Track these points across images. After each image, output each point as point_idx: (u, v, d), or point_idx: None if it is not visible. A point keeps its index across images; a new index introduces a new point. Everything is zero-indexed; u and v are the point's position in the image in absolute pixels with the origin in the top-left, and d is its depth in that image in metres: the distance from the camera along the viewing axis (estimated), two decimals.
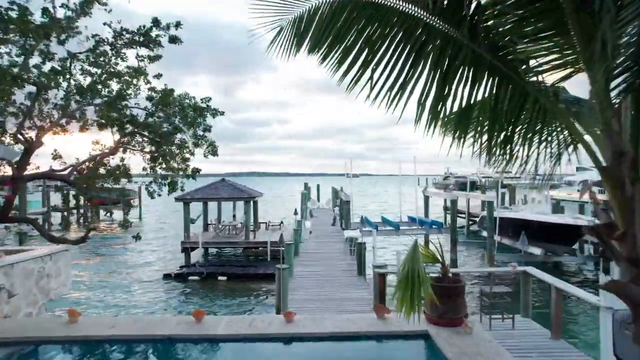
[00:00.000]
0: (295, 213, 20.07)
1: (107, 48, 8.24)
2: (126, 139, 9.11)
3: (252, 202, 23.77)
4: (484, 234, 20.79)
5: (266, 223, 25.96)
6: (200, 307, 14.60)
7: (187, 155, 10.25)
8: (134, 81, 8.53)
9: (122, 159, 9.12)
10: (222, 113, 9.56)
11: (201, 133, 9.83)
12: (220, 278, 18.11)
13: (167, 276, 18.33)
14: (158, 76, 8.90)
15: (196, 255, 20.67)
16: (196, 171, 10.47)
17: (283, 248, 13.56)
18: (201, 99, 9.20)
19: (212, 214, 27.32)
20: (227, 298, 15.48)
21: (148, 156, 9.32)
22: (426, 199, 23.92)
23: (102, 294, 16.15)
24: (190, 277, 18.12)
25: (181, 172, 10.32)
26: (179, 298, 15.45)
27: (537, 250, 16.29)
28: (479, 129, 3.20)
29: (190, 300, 15.35)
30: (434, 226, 19.38)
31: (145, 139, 9.12)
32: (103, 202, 41.60)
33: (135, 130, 8.86)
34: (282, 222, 26.36)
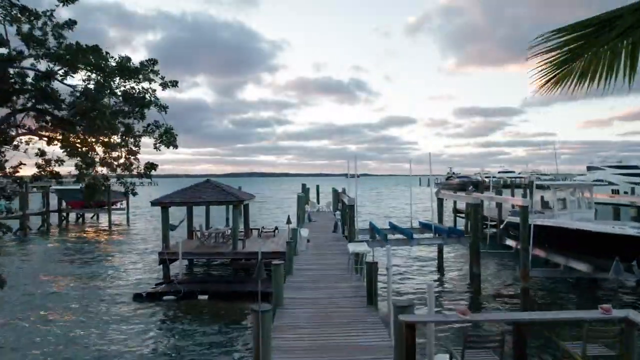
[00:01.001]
0: (289, 222, 17.14)
1: None
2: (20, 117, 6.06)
3: (242, 206, 20.94)
4: (508, 242, 17.94)
5: (259, 230, 23.10)
6: (167, 340, 11.73)
7: (133, 147, 7.37)
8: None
9: (17, 146, 6.04)
10: (175, 84, 6.66)
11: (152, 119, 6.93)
12: (200, 297, 15.28)
13: (137, 296, 15.42)
14: None
15: (180, 267, 17.81)
16: (150, 168, 7.56)
17: (276, 261, 10.79)
18: (140, 62, 6.24)
19: (202, 219, 24.52)
20: (205, 325, 12.60)
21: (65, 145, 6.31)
22: (439, 201, 21.00)
23: (35, 325, 12.79)
24: (166, 297, 15.27)
25: (134, 170, 7.46)
26: (143, 329, 12.51)
27: (582, 266, 13.42)
28: None
29: (157, 331, 12.44)
30: (452, 235, 16.48)
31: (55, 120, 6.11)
32: (81, 204, 38.23)
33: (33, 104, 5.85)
34: (276, 229, 23.48)
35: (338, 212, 21.71)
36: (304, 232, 17.75)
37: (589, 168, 70.63)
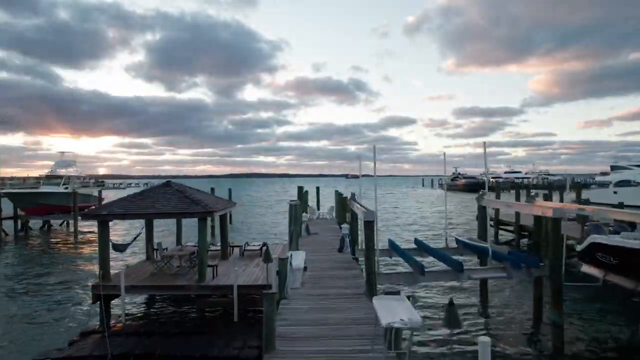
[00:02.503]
0: (267, 259, 11.24)
1: None
2: None
3: (218, 218, 15.57)
4: (589, 270, 12.54)
5: (241, 247, 17.67)
6: None
7: None
8: None
9: None
10: None
11: None
12: None
13: None
14: None
15: (122, 307, 12.44)
16: None
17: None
18: None
19: (174, 231, 19.12)
20: None
21: None
22: (482, 211, 15.58)
23: None
24: None
25: None
26: None
27: None
28: None
29: None
30: (524, 264, 10.97)
31: None
32: (43, 210, 32.11)
33: None
34: (264, 246, 18.07)
35: (346, 226, 16.26)
36: (298, 258, 12.32)
37: (614, 168, 65.36)
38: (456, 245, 14.97)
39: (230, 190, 42.49)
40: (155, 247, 16.11)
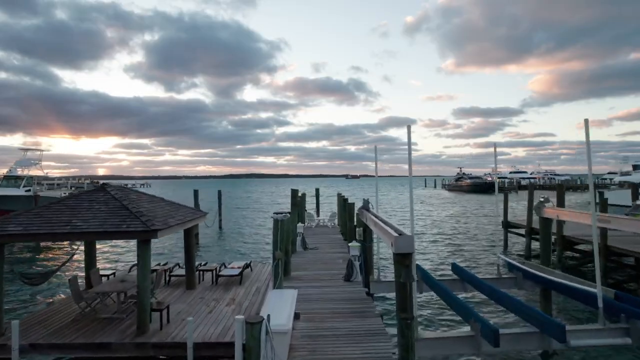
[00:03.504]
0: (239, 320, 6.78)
1: None
2: None
3: (185, 233, 11.13)
4: None
5: (214, 270, 13.28)
6: None
7: None
8: None
9: None
10: None
11: None
12: None
13: None
14: None
15: None
16: None
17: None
18: None
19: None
20: None
21: None
22: (545, 225, 11.17)
23: None
24: None
25: None
26: None
27: None
28: None
29: None
30: None
31: None
32: None
33: None
34: (247, 266, 13.69)
35: (355, 245, 11.83)
36: (282, 309, 7.78)
37: (636, 167, 61.36)
38: (512, 275, 10.56)
39: (219, 192, 38.08)
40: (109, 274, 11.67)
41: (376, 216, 9.16)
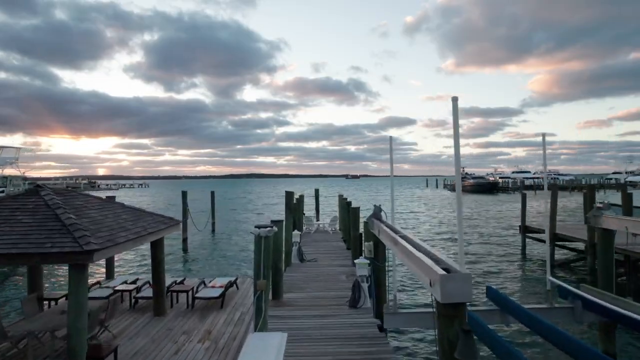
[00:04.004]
0: None
1: None
2: None
3: (152, 246, 8.73)
4: None
5: (191, 290, 10.90)
6: None
7: None
8: None
9: None
10: None
11: None
12: None
13: None
14: None
15: None
16: None
17: None
18: None
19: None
20: None
21: None
22: (605, 237, 8.80)
23: None
24: None
25: None
26: None
27: None
28: None
29: None
30: None
31: None
32: None
33: None
34: (232, 284, 11.35)
35: (363, 262, 9.41)
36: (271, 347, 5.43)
37: None
38: (568, 304, 8.17)
39: (212, 193, 35.77)
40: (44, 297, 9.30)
41: (394, 230, 6.74)
